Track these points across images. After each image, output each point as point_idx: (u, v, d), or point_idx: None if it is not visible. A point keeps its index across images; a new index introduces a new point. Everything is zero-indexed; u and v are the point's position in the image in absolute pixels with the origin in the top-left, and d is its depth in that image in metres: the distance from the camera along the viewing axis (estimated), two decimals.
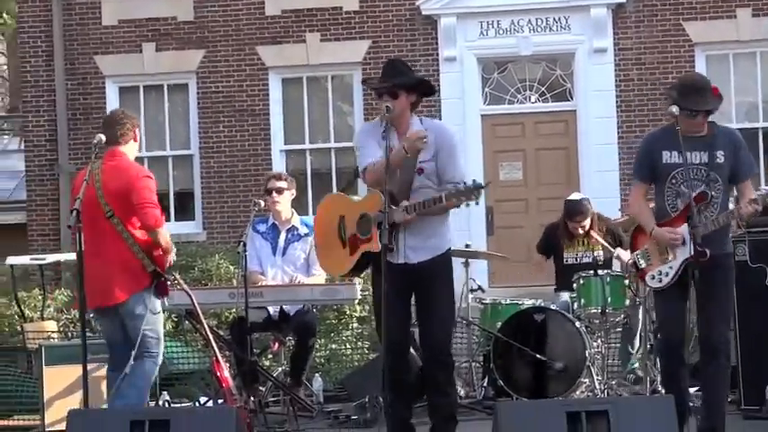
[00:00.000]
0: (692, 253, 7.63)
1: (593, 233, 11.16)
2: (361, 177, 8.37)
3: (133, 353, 8.56)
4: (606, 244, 11.09)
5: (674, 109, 7.77)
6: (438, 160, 7.97)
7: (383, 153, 7.77)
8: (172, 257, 8.79)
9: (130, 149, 8.90)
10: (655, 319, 10.01)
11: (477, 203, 7.84)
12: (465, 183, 7.79)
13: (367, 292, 11.56)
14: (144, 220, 8.53)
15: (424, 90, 8.36)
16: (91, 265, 8.39)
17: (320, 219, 8.43)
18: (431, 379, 8.15)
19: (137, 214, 8.54)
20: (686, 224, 7.78)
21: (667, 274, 7.91)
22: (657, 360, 10.25)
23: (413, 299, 8.18)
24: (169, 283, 8.78)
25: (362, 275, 9.20)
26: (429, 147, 7.87)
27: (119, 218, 8.54)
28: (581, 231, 11.21)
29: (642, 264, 8.08)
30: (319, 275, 10.78)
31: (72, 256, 9.91)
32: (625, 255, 10.32)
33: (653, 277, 8.00)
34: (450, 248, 8.23)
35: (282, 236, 10.86)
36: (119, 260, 8.56)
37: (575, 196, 11.70)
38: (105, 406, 9.43)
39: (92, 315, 9.31)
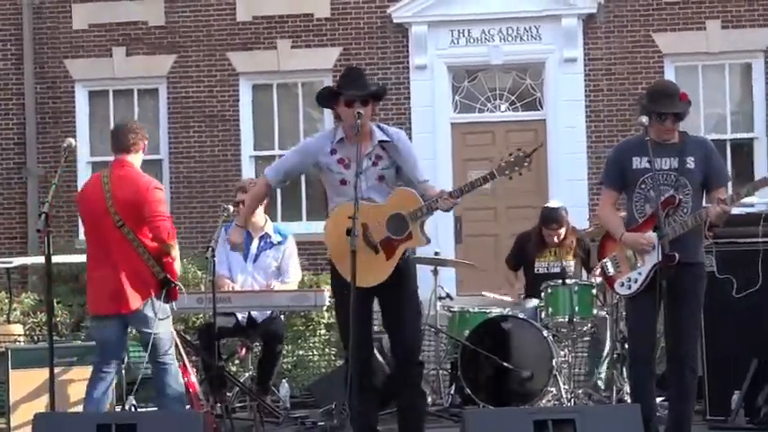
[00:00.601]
0: (661, 258, 7.65)
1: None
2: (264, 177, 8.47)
3: (146, 355, 8.84)
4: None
5: (644, 119, 7.85)
6: (404, 166, 8.05)
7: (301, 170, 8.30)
8: (178, 266, 8.88)
9: (138, 159, 8.97)
10: (623, 328, 10.08)
11: (529, 170, 8.02)
12: (518, 150, 7.97)
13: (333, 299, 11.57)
14: (156, 233, 8.62)
15: (381, 97, 8.42)
16: (99, 273, 8.67)
17: (333, 234, 8.11)
18: (405, 381, 8.19)
19: (149, 227, 8.62)
20: (654, 229, 7.82)
21: (636, 281, 7.92)
22: (624, 369, 10.32)
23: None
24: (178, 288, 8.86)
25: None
26: (394, 155, 8.00)
27: (129, 227, 8.60)
28: (555, 240, 11.19)
29: (611, 271, 8.09)
30: (291, 283, 10.78)
31: (39, 259, 9.88)
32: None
33: (622, 284, 8.01)
34: (413, 251, 8.32)
35: (255, 243, 10.84)
36: (130, 268, 8.64)
37: (553, 204, 11.69)
38: (74, 409, 9.45)
39: (90, 320, 9.33)
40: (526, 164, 7.94)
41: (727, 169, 8.14)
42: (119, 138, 9.01)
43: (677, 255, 7.60)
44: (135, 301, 8.64)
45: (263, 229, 10.87)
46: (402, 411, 8.32)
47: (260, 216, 10.83)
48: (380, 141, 7.98)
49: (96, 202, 8.74)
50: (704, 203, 8.00)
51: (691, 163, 7.90)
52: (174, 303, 8.91)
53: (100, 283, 8.75)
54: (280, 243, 10.84)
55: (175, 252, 8.77)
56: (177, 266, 8.85)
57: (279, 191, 18.04)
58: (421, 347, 8.42)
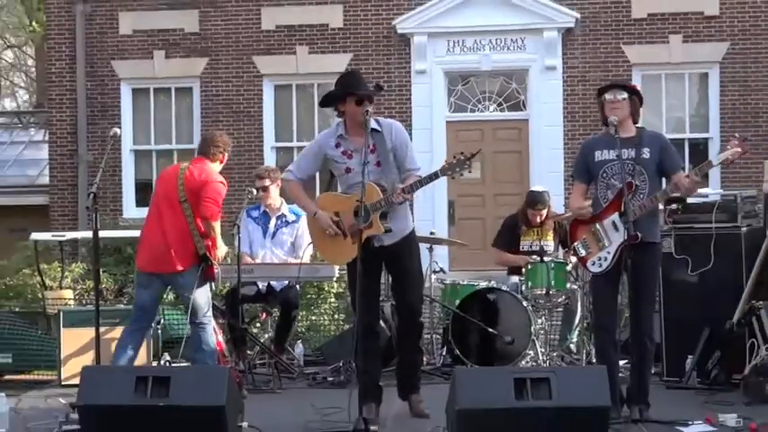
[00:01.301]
0: (626, 236, 7.63)
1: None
2: (284, 175, 8.51)
3: (187, 318, 8.97)
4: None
5: (614, 119, 7.84)
6: (397, 154, 8.06)
7: (316, 166, 8.25)
8: (221, 253, 8.96)
9: (215, 167, 9.13)
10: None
11: (470, 172, 7.92)
12: (462, 153, 7.89)
13: (344, 271, 11.56)
14: (203, 210, 8.71)
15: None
16: (152, 237, 8.83)
17: (315, 220, 8.26)
18: (408, 337, 8.32)
19: (200, 204, 8.69)
20: (617, 213, 7.81)
21: (606, 259, 7.88)
22: (592, 335, 10.33)
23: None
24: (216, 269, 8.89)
25: None
26: (387, 143, 8.01)
27: (189, 204, 8.74)
28: (538, 220, 11.14)
29: (582, 252, 8.05)
30: (305, 259, 10.77)
31: (88, 234, 9.88)
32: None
33: (593, 263, 7.97)
34: (413, 229, 8.37)
35: (272, 222, 10.85)
36: (179, 237, 8.74)
37: (537, 188, 11.63)
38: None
39: (135, 276, 9.33)
40: (467, 166, 7.88)
41: (680, 156, 8.06)
42: (205, 145, 9.22)
43: (639, 234, 7.59)
44: (177, 265, 8.69)
45: (279, 210, 10.87)
46: (402, 364, 8.40)
47: (276, 198, 10.84)
48: (372, 130, 7.97)
49: (170, 180, 8.94)
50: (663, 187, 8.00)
51: (646, 153, 7.87)
52: (212, 283, 9.00)
53: (150, 245, 8.85)
54: (294, 222, 10.84)
55: (216, 234, 8.82)
56: (220, 251, 8.92)
57: None
58: (422, 310, 8.46)
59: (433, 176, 7.95)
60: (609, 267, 7.88)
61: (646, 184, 7.87)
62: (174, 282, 8.81)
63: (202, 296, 8.85)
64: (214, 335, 9.06)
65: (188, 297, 8.72)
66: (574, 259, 9.52)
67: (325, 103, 8.34)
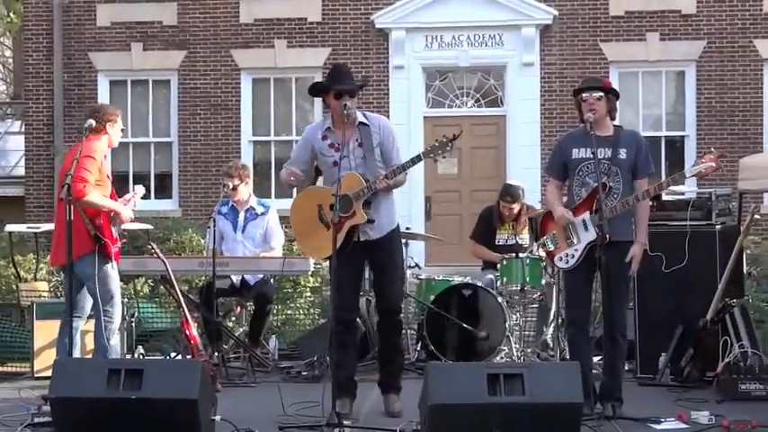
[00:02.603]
0: (596, 236, 7.68)
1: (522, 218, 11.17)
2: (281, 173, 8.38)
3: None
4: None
5: (590, 116, 7.84)
6: (383, 150, 8.09)
7: (308, 157, 8.18)
8: (126, 215, 8.67)
9: (99, 142, 8.76)
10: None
11: (451, 155, 8.05)
12: (444, 136, 7.93)
13: (318, 266, 11.56)
14: (73, 192, 8.20)
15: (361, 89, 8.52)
16: (55, 231, 8.82)
17: (296, 214, 8.28)
18: (387, 339, 8.32)
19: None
20: (588, 212, 7.84)
21: (573, 256, 7.93)
22: (566, 332, 10.34)
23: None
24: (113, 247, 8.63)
25: None
26: (374, 137, 8.04)
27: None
28: (508, 214, 11.12)
29: (551, 247, 8.09)
30: (277, 249, 10.82)
31: None
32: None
33: (560, 259, 8.02)
34: (398, 225, 8.39)
35: (241, 215, 10.85)
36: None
37: (513, 182, 11.66)
38: (89, 356, 9.41)
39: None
40: (449, 148, 7.93)
41: (652, 163, 8.07)
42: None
43: (609, 236, 7.60)
44: (77, 251, 8.31)
45: (247, 203, 10.88)
46: (383, 363, 8.43)
47: (244, 192, 10.83)
48: (360, 123, 8.02)
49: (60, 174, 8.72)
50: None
51: (623, 154, 7.89)
52: (111, 263, 8.57)
53: (54, 239, 8.77)
54: (263, 214, 10.86)
55: (102, 204, 8.50)
56: (123, 213, 8.63)
57: (273, 171, 18.15)
58: (401, 308, 8.55)
59: (416, 159, 7.98)
60: (575, 265, 7.92)
61: (620, 185, 7.90)
62: (76, 272, 8.50)
63: (104, 282, 8.55)
64: (117, 334, 8.74)
65: (92, 285, 8.51)
66: (542, 253, 9.54)
67: (312, 93, 8.45)
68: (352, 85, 8.11)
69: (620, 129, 8.06)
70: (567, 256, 7.97)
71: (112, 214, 8.62)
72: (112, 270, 8.64)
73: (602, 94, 7.93)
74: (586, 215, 7.86)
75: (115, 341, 8.66)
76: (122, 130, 9.03)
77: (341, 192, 7.74)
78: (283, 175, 8.19)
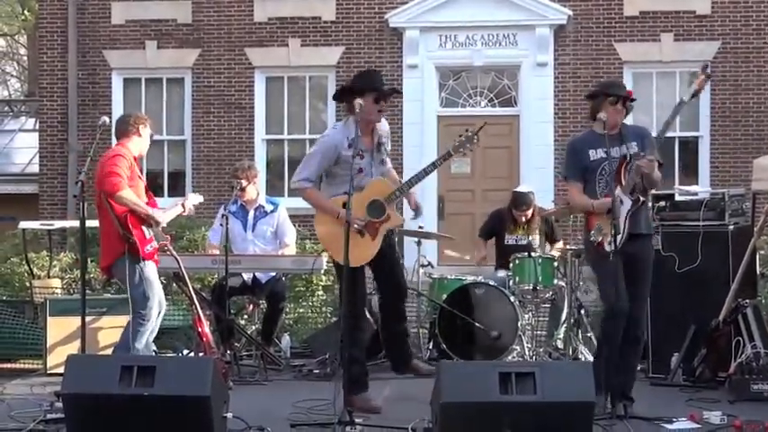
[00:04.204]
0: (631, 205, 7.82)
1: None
2: (298, 183, 8.25)
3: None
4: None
5: (602, 115, 7.87)
6: (385, 149, 8.33)
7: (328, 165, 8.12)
8: (163, 218, 8.71)
9: (132, 143, 8.90)
10: (579, 296, 10.12)
11: (478, 146, 8.18)
12: (467, 130, 8.11)
13: (330, 264, 11.55)
14: (105, 188, 8.50)
15: None
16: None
17: (324, 226, 8.20)
18: (395, 310, 8.49)
19: (103, 185, 8.58)
20: (619, 187, 7.83)
21: (619, 233, 7.76)
22: (579, 332, 10.35)
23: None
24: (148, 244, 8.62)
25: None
26: (383, 139, 8.27)
27: (100, 190, 8.64)
28: (524, 219, 11.23)
29: (598, 238, 7.89)
30: (291, 246, 10.85)
31: (77, 223, 9.80)
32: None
33: (609, 243, 7.81)
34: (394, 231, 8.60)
35: (251, 214, 10.89)
36: (105, 230, 8.65)
37: (522, 188, 11.67)
38: (102, 352, 9.46)
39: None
40: (476, 140, 8.02)
41: (656, 149, 8.04)
42: (117, 126, 9.01)
43: (641, 198, 7.84)
44: (105, 259, 8.60)
45: (256, 202, 10.92)
46: (393, 338, 8.59)
47: (252, 191, 10.87)
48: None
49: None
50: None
51: (634, 147, 7.95)
52: (142, 263, 8.50)
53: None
54: (272, 211, 10.89)
55: (135, 203, 8.47)
56: (159, 216, 8.63)
57: (287, 169, 18.18)
58: (406, 288, 8.67)
59: (447, 156, 8.16)
60: (623, 241, 7.77)
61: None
62: (115, 275, 8.62)
63: (138, 285, 8.52)
64: (144, 339, 8.65)
65: (127, 288, 8.53)
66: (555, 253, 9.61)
67: (339, 97, 8.39)
68: (391, 89, 8.29)
69: (624, 125, 8.17)
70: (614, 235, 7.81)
71: (144, 215, 8.58)
72: (146, 270, 8.56)
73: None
74: (618, 190, 7.83)
75: (141, 344, 8.58)
76: (151, 135, 9.08)
77: (371, 197, 8.02)
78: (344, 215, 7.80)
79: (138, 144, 8.91)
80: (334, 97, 8.56)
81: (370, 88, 8.02)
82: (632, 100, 8.18)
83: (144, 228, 8.56)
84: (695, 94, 8.10)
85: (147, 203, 8.69)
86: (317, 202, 8.22)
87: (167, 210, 8.93)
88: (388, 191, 8.02)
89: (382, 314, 8.67)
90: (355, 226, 7.89)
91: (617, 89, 8.17)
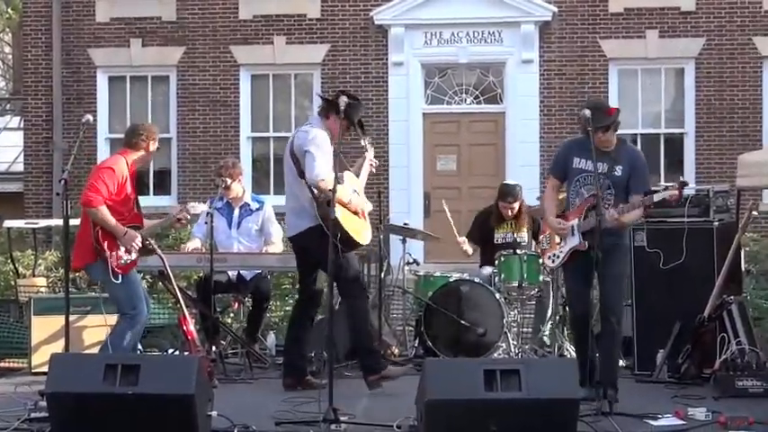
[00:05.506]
0: (579, 242, 8.25)
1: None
2: (315, 179, 8.60)
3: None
4: None
5: (587, 112, 8.06)
6: None
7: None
8: (124, 242, 8.62)
9: (135, 155, 8.91)
10: (564, 293, 10.14)
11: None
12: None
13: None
14: (82, 198, 8.62)
15: None
16: None
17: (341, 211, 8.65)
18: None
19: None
20: (577, 219, 8.24)
21: (558, 257, 8.49)
22: (565, 329, 10.37)
23: None
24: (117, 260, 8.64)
25: None
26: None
27: None
28: (510, 213, 11.14)
29: (545, 245, 8.69)
30: (278, 243, 10.82)
31: (61, 221, 9.77)
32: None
33: (549, 257, 8.61)
34: None
35: (236, 212, 10.85)
36: (80, 233, 8.74)
37: (510, 182, 11.71)
38: (87, 351, 9.44)
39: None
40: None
41: (648, 183, 8.32)
42: (126, 135, 9.04)
43: (587, 243, 8.14)
44: (77, 261, 8.68)
45: (241, 200, 10.87)
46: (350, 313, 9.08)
47: (237, 189, 10.82)
48: None
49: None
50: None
51: (618, 171, 8.21)
52: (114, 274, 8.55)
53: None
54: (258, 209, 10.86)
55: (105, 220, 8.49)
56: (122, 239, 8.56)
57: (272, 167, 18.16)
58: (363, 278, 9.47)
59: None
60: (559, 265, 8.54)
61: (611, 200, 8.18)
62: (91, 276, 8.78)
63: (118, 289, 8.65)
64: (129, 337, 8.74)
65: (107, 290, 8.74)
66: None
67: (325, 102, 9.24)
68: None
69: (623, 144, 8.39)
70: (555, 255, 8.51)
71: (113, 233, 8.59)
72: (121, 280, 8.62)
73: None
74: (575, 222, 8.24)
75: (127, 343, 8.68)
76: (157, 148, 9.12)
77: (352, 187, 8.98)
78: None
79: (143, 158, 8.99)
80: (323, 100, 8.96)
81: (350, 119, 8.85)
82: (617, 121, 8.24)
83: (116, 243, 8.58)
84: (660, 201, 8.35)
85: (132, 218, 8.74)
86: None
87: (151, 225, 9.02)
88: (358, 183, 9.12)
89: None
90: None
91: (600, 119, 8.16)
